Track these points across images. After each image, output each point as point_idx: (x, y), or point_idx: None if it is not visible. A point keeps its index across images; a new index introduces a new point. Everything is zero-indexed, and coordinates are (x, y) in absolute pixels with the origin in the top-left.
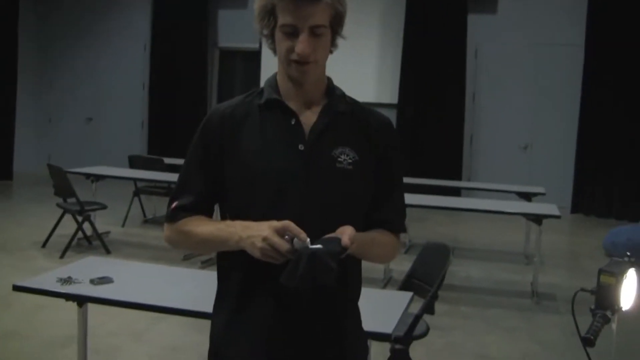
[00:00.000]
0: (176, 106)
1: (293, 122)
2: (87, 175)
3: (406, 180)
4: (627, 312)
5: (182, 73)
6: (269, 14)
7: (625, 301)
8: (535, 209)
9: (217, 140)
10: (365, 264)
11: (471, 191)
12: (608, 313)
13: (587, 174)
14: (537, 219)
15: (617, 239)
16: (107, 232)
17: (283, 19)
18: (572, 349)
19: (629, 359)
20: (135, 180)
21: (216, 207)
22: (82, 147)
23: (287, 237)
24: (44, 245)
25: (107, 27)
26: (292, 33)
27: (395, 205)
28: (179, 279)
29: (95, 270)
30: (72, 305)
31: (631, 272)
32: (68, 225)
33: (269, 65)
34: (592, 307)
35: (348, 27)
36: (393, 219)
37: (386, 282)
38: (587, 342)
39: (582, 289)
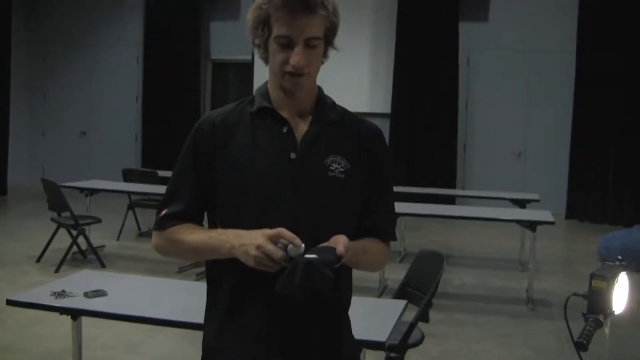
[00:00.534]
0: (169, 119)
1: (285, 131)
2: (81, 190)
3: (400, 189)
4: (619, 316)
5: (175, 85)
6: (263, 24)
7: (618, 305)
8: (529, 215)
9: (208, 148)
10: (359, 273)
11: (465, 199)
12: (600, 317)
13: (581, 180)
14: (532, 225)
15: (612, 245)
16: (102, 246)
17: (278, 30)
18: (567, 355)
19: None
20: (129, 193)
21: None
22: (76, 161)
23: (280, 244)
24: (38, 260)
25: (100, 41)
26: (287, 44)
27: (385, 213)
28: (173, 291)
29: (89, 284)
30: (67, 319)
31: (622, 276)
32: (63, 240)
33: (262, 77)
34: (585, 311)
35: (340, 37)
36: (384, 227)
37: (381, 291)
38: (580, 346)
39: (575, 294)
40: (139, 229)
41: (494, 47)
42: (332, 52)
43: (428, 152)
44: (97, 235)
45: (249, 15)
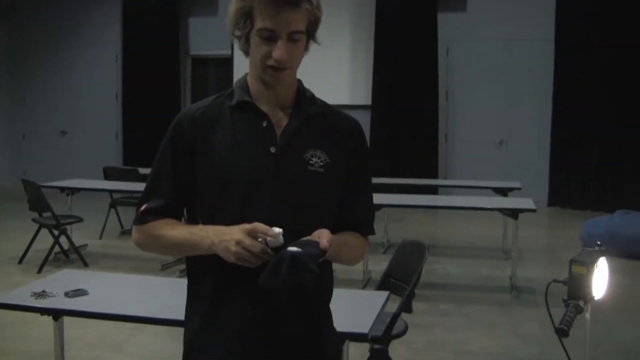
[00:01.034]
0: (150, 116)
1: (265, 124)
2: (62, 189)
3: (383, 180)
4: (600, 301)
5: (155, 82)
6: (246, 16)
7: (598, 290)
8: (511, 203)
9: (187, 143)
10: (342, 266)
11: (448, 189)
12: (581, 303)
13: (562, 167)
14: (513, 213)
15: (594, 231)
16: (85, 245)
17: (261, 23)
18: (552, 342)
19: (604, 348)
20: (110, 191)
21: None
22: (57, 161)
23: (260, 239)
24: (20, 261)
25: (78, 41)
26: (270, 38)
27: (364, 207)
28: (156, 289)
29: (70, 283)
30: (49, 320)
31: (602, 261)
32: (45, 240)
33: (242, 71)
34: (565, 297)
35: (319, 29)
36: (363, 221)
37: (365, 283)
38: (561, 332)
39: (555, 280)
40: (122, 227)
41: (472, 36)
42: (311, 45)
43: (409, 143)
44: (80, 235)
45: (231, 6)
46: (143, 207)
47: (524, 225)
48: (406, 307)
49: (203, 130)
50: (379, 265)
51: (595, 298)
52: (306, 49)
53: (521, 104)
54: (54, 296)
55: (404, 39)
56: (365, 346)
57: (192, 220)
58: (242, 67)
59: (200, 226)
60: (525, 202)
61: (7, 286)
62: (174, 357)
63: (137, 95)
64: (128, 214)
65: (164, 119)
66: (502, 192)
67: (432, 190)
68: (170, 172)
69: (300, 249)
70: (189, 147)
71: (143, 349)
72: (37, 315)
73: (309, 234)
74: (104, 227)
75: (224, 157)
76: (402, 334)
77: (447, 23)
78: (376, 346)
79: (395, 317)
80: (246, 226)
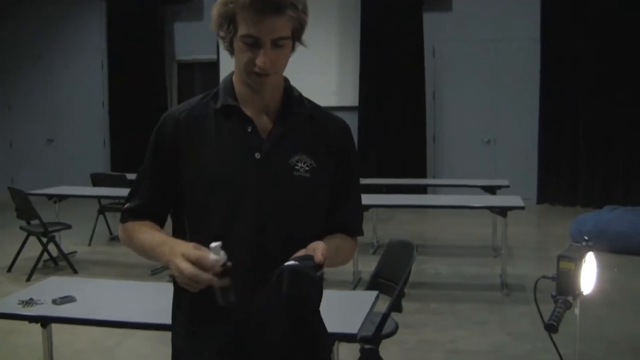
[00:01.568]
0: (137, 122)
1: (250, 130)
2: (50, 196)
3: (371, 180)
4: (589, 296)
5: (141, 88)
6: (229, 22)
7: (586, 285)
8: (499, 201)
9: (170, 144)
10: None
11: (437, 188)
12: (569, 298)
13: (550, 164)
14: (502, 211)
15: (584, 227)
16: (74, 252)
17: (245, 29)
18: (543, 338)
19: (594, 344)
20: (98, 198)
21: None
22: (45, 168)
23: (212, 256)
24: (9, 270)
25: (64, 49)
26: (254, 44)
27: (353, 209)
28: (144, 294)
29: (58, 290)
30: (38, 328)
31: (590, 257)
32: (33, 248)
33: None
34: (554, 293)
35: (305, 31)
36: (352, 223)
37: (355, 284)
38: (550, 328)
39: (544, 277)
40: (110, 233)
41: (458, 36)
42: (297, 47)
43: (397, 143)
44: (68, 242)
45: (214, 10)
46: (125, 206)
47: (514, 223)
48: (396, 307)
49: (187, 133)
50: (368, 266)
51: (584, 293)
52: (293, 49)
53: (508, 103)
54: (42, 304)
55: (390, 39)
56: (355, 347)
57: (177, 222)
58: (228, 71)
59: (165, 238)
60: (514, 200)
61: None
62: None
63: (124, 101)
64: (116, 220)
65: (151, 124)
66: (491, 190)
67: (421, 189)
68: (150, 175)
69: (297, 263)
70: (171, 149)
71: (133, 354)
72: (25, 323)
73: (298, 239)
74: (92, 234)
75: (208, 162)
76: (392, 333)
77: (433, 23)
78: (367, 346)
79: (385, 316)
80: (185, 251)
